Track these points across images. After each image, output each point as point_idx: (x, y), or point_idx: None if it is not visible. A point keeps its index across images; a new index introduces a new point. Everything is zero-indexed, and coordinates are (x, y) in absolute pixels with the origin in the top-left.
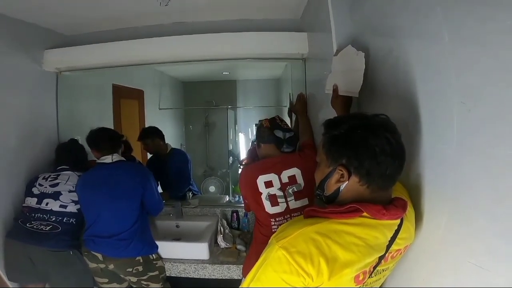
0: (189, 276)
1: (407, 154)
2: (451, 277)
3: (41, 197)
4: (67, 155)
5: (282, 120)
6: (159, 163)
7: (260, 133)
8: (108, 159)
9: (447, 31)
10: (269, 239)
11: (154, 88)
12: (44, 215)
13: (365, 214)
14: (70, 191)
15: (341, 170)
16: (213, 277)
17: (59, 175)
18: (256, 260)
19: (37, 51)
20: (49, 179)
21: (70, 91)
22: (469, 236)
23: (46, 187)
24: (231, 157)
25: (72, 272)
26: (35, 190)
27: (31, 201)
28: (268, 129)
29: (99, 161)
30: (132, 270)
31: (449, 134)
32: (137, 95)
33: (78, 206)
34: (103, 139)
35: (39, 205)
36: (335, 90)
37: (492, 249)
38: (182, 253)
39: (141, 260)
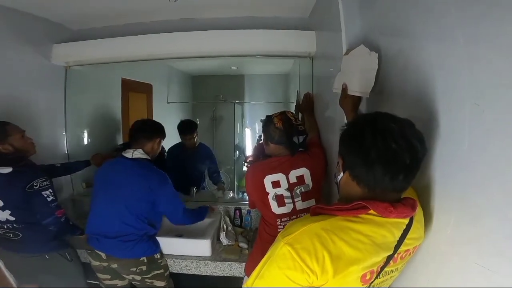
0: (191, 273)
1: None
2: (457, 278)
3: None
4: None
5: (296, 119)
6: (186, 155)
7: (270, 132)
8: (129, 153)
9: (461, 32)
10: (275, 238)
11: (163, 82)
12: None
13: (371, 211)
14: None
15: (340, 161)
16: (215, 274)
17: None
18: (261, 259)
19: (46, 45)
20: None
21: (79, 85)
22: (477, 237)
23: None
24: (237, 152)
25: (56, 275)
26: None
27: None
28: (280, 131)
29: (123, 153)
30: (136, 269)
31: (461, 135)
32: (146, 89)
33: (8, 212)
34: (134, 128)
35: None
36: (344, 89)
37: (500, 251)
38: (184, 250)
39: (145, 260)
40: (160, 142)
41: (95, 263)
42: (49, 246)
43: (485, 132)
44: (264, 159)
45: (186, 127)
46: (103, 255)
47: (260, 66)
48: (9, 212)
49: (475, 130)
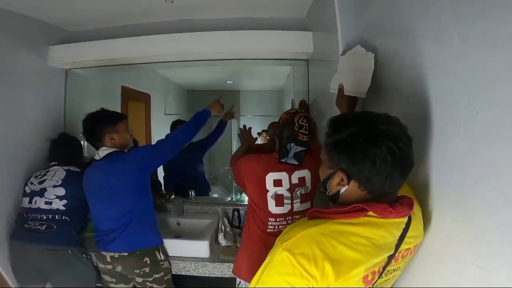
0: (189, 274)
1: (415, 154)
2: (454, 279)
3: (31, 195)
4: (57, 150)
5: (303, 127)
6: (181, 155)
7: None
8: (97, 155)
9: (456, 33)
10: (263, 235)
11: (160, 93)
12: (36, 215)
13: (370, 213)
14: (54, 186)
15: (341, 174)
16: (213, 275)
17: (48, 171)
18: (247, 258)
19: (44, 47)
20: (39, 176)
21: (79, 89)
22: (474, 238)
23: (35, 184)
24: None
25: (72, 272)
26: (27, 189)
27: (25, 201)
28: (279, 127)
29: (95, 157)
30: (140, 271)
31: (456, 135)
32: (144, 99)
33: (64, 202)
34: (84, 131)
35: (30, 205)
36: (341, 90)
37: (497, 252)
38: (183, 251)
39: (148, 262)
40: (115, 130)
41: (101, 265)
42: (73, 241)
43: (480, 132)
44: (268, 153)
45: (177, 120)
46: (108, 257)
47: (255, 80)
48: (65, 202)
49: (470, 130)
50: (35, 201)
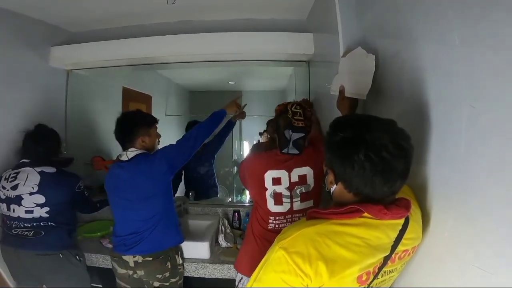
0: (189, 275)
1: (415, 155)
2: (454, 281)
3: (8, 202)
4: (30, 145)
5: (297, 113)
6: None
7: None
8: (123, 156)
9: (458, 35)
10: (264, 232)
11: (162, 94)
12: (19, 222)
13: (366, 214)
14: (31, 193)
15: (331, 174)
16: (213, 277)
17: (18, 172)
18: (248, 253)
19: (45, 47)
20: (9, 179)
21: (81, 90)
22: (475, 239)
23: (8, 190)
24: (235, 167)
25: (64, 276)
26: (1, 195)
27: (2, 207)
28: (277, 120)
29: (119, 157)
30: (161, 276)
31: (457, 137)
32: (145, 100)
33: (46, 209)
34: (118, 130)
35: (9, 212)
36: (342, 91)
37: (499, 253)
38: (183, 252)
39: (169, 266)
40: (148, 133)
41: (122, 270)
42: (66, 244)
43: (482, 134)
44: (268, 150)
45: (193, 121)
46: (131, 261)
47: (257, 80)
48: (47, 209)
49: (472, 132)
50: (13, 209)
